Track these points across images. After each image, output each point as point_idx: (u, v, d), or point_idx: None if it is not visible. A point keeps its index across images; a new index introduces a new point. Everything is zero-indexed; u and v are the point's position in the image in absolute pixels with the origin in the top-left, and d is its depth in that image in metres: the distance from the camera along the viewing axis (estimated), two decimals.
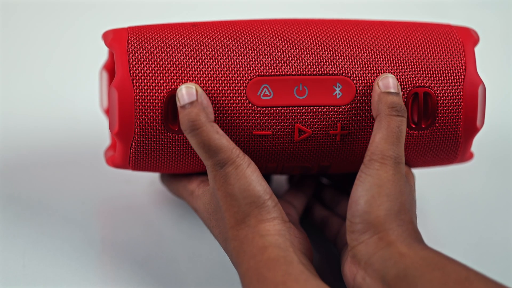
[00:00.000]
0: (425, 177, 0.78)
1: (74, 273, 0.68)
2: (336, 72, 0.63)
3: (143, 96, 0.62)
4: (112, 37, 0.64)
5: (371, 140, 0.61)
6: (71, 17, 1.06)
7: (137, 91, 0.62)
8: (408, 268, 0.55)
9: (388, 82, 0.62)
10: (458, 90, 0.64)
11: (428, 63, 0.64)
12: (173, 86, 0.62)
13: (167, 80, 0.62)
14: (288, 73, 0.63)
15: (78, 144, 0.86)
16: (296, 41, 0.64)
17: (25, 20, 1.05)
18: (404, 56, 0.64)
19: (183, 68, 0.63)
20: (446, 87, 0.64)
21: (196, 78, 0.62)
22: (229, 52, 0.63)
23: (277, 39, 0.64)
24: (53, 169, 0.82)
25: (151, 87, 0.62)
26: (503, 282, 0.55)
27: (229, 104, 0.63)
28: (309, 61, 0.63)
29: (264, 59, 0.63)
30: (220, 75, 0.63)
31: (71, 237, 0.71)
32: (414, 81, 0.64)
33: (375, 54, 0.64)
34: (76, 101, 0.93)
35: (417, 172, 0.74)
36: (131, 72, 0.62)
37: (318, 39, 0.64)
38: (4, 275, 0.67)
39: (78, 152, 0.84)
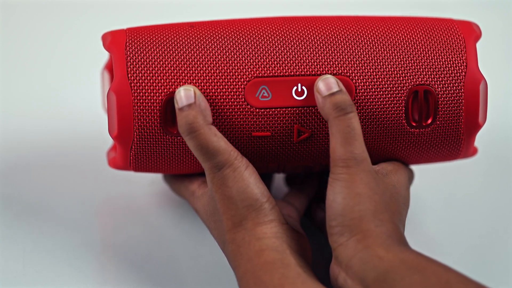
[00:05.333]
0: (424, 176, 0.77)
1: (74, 273, 0.68)
2: (335, 72, 0.63)
3: (141, 100, 0.62)
4: (110, 40, 0.64)
5: (330, 147, 0.60)
6: (72, 17, 1.06)
7: (135, 94, 0.62)
8: (387, 271, 0.54)
9: (326, 84, 0.61)
10: (459, 87, 0.63)
11: (428, 60, 0.63)
12: (171, 89, 0.62)
13: (165, 83, 0.62)
14: (287, 73, 0.63)
15: (78, 144, 0.85)
16: (294, 41, 0.64)
17: (25, 20, 1.05)
18: (403, 53, 0.64)
19: (181, 71, 0.62)
20: (446, 84, 0.63)
21: (194, 80, 0.62)
22: (227, 54, 0.63)
23: (275, 39, 0.64)
24: (53, 170, 0.82)
25: (149, 90, 0.62)
26: (503, 282, 0.54)
27: (228, 106, 0.62)
28: (307, 61, 0.63)
29: (262, 60, 0.63)
30: (218, 77, 0.62)
31: (71, 237, 0.71)
32: (414, 79, 0.63)
33: (374, 53, 0.63)
34: (76, 101, 0.93)
35: (415, 171, 0.73)
36: (129, 75, 0.62)
37: (316, 38, 0.64)
38: (4, 275, 0.67)
39: (78, 153, 0.84)
